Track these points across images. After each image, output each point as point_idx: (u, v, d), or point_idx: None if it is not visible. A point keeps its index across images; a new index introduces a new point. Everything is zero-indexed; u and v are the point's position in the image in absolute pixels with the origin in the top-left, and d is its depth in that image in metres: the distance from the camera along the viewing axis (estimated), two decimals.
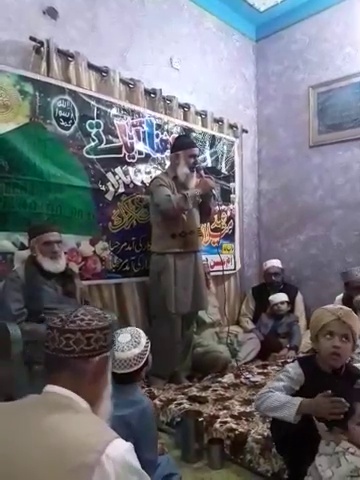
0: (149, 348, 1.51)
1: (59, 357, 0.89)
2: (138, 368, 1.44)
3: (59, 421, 0.80)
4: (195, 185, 2.70)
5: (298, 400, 1.43)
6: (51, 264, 2.14)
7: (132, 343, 1.45)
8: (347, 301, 2.98)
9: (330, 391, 1.39)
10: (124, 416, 1.37)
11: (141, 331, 1.53)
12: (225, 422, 2.05)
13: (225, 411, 2.19)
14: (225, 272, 3.77)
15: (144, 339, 1.50)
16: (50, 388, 0.88)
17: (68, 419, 0.81)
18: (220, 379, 2.72)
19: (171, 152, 2.85)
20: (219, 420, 2.07)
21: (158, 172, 2.98)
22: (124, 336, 1.47)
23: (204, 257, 3.16)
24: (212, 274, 3.44)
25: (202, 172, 2.73)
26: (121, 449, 0.78)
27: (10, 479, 0.74)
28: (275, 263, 3.78)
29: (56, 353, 0.89)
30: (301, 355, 2.81)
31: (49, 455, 0.74)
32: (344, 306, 1.63)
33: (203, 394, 2.46)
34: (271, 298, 3.44)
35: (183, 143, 2.77)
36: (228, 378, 2.73)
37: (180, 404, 2.29)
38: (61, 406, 0.84)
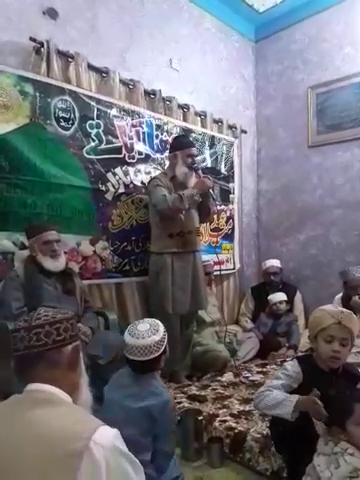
0: (167, 338, 1.55)
1: (32, 353, 0.91)
2: (158, 355, 1.48)
3: (43, 414, 0.82)
4: (193, 185, 2.70)
5: (295, 397, 1.45)
6: (51, 263, 2.15)
7: (151, 331, 1.49)
8: (346, 301, 3.00)
9: (316, 390, 1.41)
10: (147, 407, 1.41)
11: (159, 322, 1.57)
12: (224, 421, 2.06)
13: (224, 410, 2.20)
14: (224, 272, 3.81)
15: (162, 328, 1.54)
16: (30, 387, 0.90)
17: (52, 412, 0.83)
18: (219, 378, 2.73)
19: (169, 152, 2.86)
20: (218, 419, 2.08)
21: (158, 172, 2.99)
22: (143, 325, 1.52)
23: (205, 257, 3.18)
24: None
25: (200, 172, 2.73)
26: (108, 435, 0.79)
27: (1, 473, 0.75)
28: (274, 263, 3.79)
29: (29, 350, 0.91)
30: (300, 354, 2.82)
31: (37, 446, 0.75)
32: (345, 309, 1.61)
33: (202, 393, 2.47)
34: (270, 297, 3.45)
35: (181, 143, 2.78)
36: (227, 377, 2.75)
37: (180, 403, 2.30)
38: (43, 401, 0.86)
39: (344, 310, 1.58)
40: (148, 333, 1.48)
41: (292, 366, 1.62)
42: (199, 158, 3.50)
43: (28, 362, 0.92)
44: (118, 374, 1.60)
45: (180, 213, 2.63)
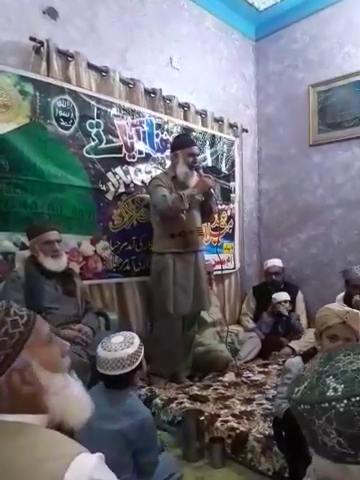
0: (143, 352, 1.48)
1: None
2: (131, 370, 1.41)
3: (9, 451, 0.68)
4: (194, 185, 2.68)
5: None
6: (53, 263, 2.15)
7: (125, 344, 1.43)
8: (348, 300, 2.99)
9: None
10: (121, 430, 1.31)
11: (135, 334, 1.51)
12: (226, 421, 2.06)
13: (226, 410, 2.20)
14: (225, 271, 3.79)
15: (138, 340, 1.48)
16: None
17: (18, 447, 0.69)
18: (221, 378, 2.72)
19: (171, 151, 2.85)
20: (220, 419, 2.08)
21: (158, 172, 2.98)
22: (117, 338, 1.46)
23: (206, 257, 3.16)
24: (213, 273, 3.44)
25: (201, 171, 2.71)
26: (86, 468, 0.65)
27: None
28: (276, 262, 3.78)
29: None
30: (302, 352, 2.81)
31: None
32: (351, 308, 1.61)
33: (204, 393, 2.46)
34: (274, 296, 3.44)
35: (181, 142, 2.77)
36: (229, 377, 2.74)
37: (181, 403, 2.30)
38: (5, 433, 0.71)
39: (350, 310, 1.58)
40: (121, 346, 1.41)
41: (295, 366, 1.62)
42: (200, 157, 3.50)
43: None
44: (90, 392, 1.45)
45: (181, 213, 2.61)
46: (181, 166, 2.70)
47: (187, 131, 3.36)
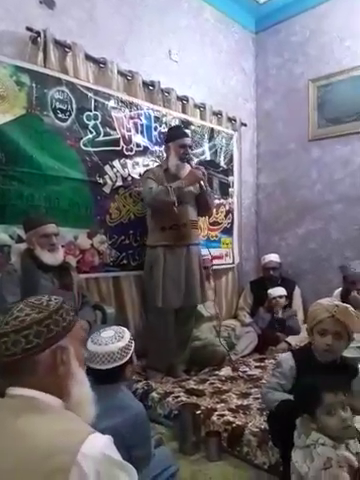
0: (133, 346, 1.47)
1: (4, 362, 0.82)
2: (122, 364, 1.40)
3: (26, 424, 0.76)
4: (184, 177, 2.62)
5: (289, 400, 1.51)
6: (49, 257, 2.13)
7: (115, 337, 1.42)
8: (345, 295, 2.99)
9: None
10: (114, 426, 1.28)
11: (125, 329, 1.50)
12: (222, 415, 2.06)
13: (222, 404, 2.20)
14: (223, 266, 3.80)
15: (128, 335, 1.47)
16: (12, 391, 0.83)
17: (36, 421, 0.77)
18: (217, 372, 2.72)
19: (164, 144, 2.83)
20: (216, 413, 2.08)
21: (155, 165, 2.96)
22: (107, 332, 1.45)
23: (205, 251, 3.15)
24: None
25: (192, 163, 2.67)
26: (98, 445, 0.74)
27: None
28: (273, 258, 3.78)
29: None
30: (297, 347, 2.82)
31: (21, 461, 0.71)
32: (340, 303, 1.62)
33: (200, 387, 2.46)
34: (270, 291, 3.44)
35: (173, 134, 2.74)
36: (225, 371, 2.74)
37: (178, 397, 2.30)
38: (27, 408, 0.79)
39: (340, 304, 1.60)
40: (112, 339, 1.41)
41: (286, 361, 1.64)
42: (199, 151, 3.48)
43: (2, 371, 0.84)
44: None
45: (172, 206, 2.53)
46: (173, 158, 2.67)
47: (185, 124, 3.33)
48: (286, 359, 1.66)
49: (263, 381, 2.55)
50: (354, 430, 1.33)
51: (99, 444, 0.74)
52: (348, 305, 1.61)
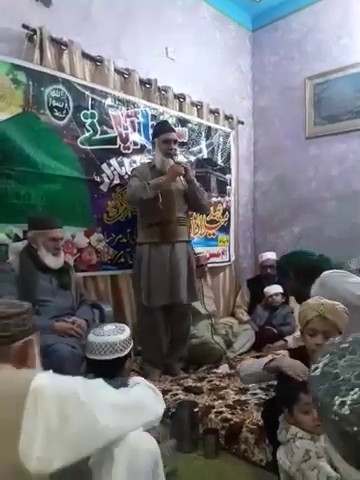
0: (132, 343, 1.49)
1: None
2: (123, 356, 1.41)
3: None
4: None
5: (265, 359, 1.59)
6: (53, 260, 2.14)
7: (117, 330, 1.44)
8: None
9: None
10: None
11: (125, 325, 1.51)
12: (220, 412, 2.07)
13: (220, 401, 2.21)
14: (220, 264, 3.81)
15: (128, 330, 1.48)
16: None
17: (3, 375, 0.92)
18: (215, 370, 2.74)
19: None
20: (214, 410, 2.09)
21: None
22: (108, 326, 1.47)
23: (201, 249, 3.15)
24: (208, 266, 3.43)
25: (175, 158, 2.61)
26: (47, 374, 0.89)
27: None
28: (270, 256, 3.78)
29: None
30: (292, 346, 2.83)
31: None
32: (327, 300, 1.59)
33: (198, 385, 2.47)
34: (266, 290, 3.45)
35: (157, 129, 2.72)
36: (223, 369, 2.75)
37: (175, 395, 2.31)
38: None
39: (326, 302, 1.56)
40: (114, 332, 1.43)
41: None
42: (196, 149, 3.47)
43: None
44: None
45: (155, 203, 2.48)
46: (158, 154, 2.65)
47: (183, 122, 3.33)
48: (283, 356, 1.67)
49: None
50: None
51: (47, 379, 0.87)
52: (335, 302, 1.58)
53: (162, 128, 2.70)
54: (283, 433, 1.39)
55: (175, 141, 2.68)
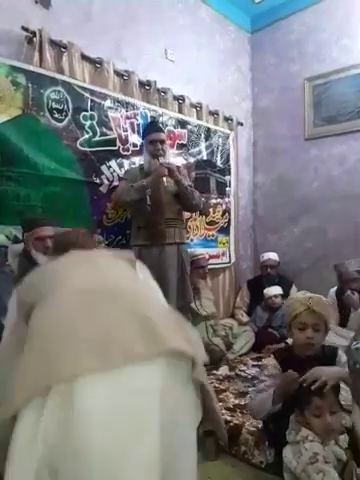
0: None
1: None
2: None
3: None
4: None
5: (270, 392, 1.52)
6: (43, 259, 2.13)
7: None
8: (340, 294, 3.00)
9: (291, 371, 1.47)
10: None
11: None
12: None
13: (220, 403, 2.20)
14: (220, 265, 3.81)
15: None
16: None
17: None
18: (215, 372, 2.73)
19: None
20: None
21: None
22: None
23: (201, 250, 3.14)
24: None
25: (161, 159, 2.58)
26: None
27: None
28: (272, 256, 3.79)
29: None
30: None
31: None
32: (313, 294, 1.66)
33: None
34: (266, 291, 3.45)
35: (145, 130, 2.71)
36: (223, 370, 2.75)
37: None
38: None
39: (313, 295, 1.63)
40: None
41: (271, 363, 1.67)
42: (195, 150, 3.48)
43: None
44: None
45: (142, 205, 2.47)
46: (145, 155, 2.65)
47: (182, 124, 3.33)
48: (269, 360, 1.70)
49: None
50: (337, 433, 1.37)
51: None
52: (321, 296, 1.66)
53: (148, 129, 2.70)
54: (293, 434, 1.39)
55: (162, 141, 2.64)
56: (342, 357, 1.61)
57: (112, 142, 2.80)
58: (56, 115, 2.48)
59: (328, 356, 1.63)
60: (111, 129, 2.79)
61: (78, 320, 0.96)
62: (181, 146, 3.32)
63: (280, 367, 1.62)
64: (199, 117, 3.61)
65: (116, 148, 2.83)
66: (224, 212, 3.83)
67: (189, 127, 3.41)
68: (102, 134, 2.74)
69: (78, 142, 2.59)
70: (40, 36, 2.44)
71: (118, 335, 0.94)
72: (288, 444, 1.40)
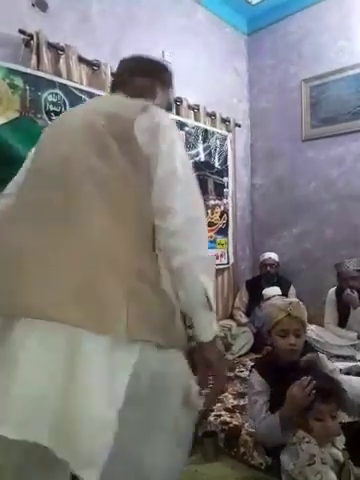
0: None
1: None
2: None
3: None
4: None
5: (276, 418, 1.45)
6: None
7: None
8: (340, 294, 3.01)
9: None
10: None
11: None
12: (219, 415, 2.06)
13: (219, 404, 2.20)
14: (219, 266, 3.81)
15: None
16: None
17: None
18: None
19: None
20: (213, 413, 2.08)
21: None
22: None
23: None
24: None
25: None
26: None
27: None
28: (272, 255, 3.80)
29: None
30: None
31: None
32: (292, 299, 1.67)
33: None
34: (264, 292, 3.44)
35: None
36: None
37: None
38: None
39: (292, 300, 1.62)
40: None
41: (255, 379, 1.62)
42: (193, 152, 3.48)
43: None
44: None
45: None
46: None
47: (180, 125, 3.33)
48: (252, 377, 1.65)
49: None
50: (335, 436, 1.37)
51: None
52: (298, 300, 1.65)
53: None
54: (289, 436, 1.39)
55: None
56: (324, 361, 1.59)
57: None
58: (54, 117, 2.48)
59: (311, 361, 1.59)
60: None
61: None
62: None
63: (264, 380, 1.59)
64: (197, 119, 3.61)
65: None
66: (222, 213, 3.83)
67: (187, 129, 3.42)
68: None
69: None
70: (37, 39, 2.44)
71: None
72: (285, 446, 1.40)
